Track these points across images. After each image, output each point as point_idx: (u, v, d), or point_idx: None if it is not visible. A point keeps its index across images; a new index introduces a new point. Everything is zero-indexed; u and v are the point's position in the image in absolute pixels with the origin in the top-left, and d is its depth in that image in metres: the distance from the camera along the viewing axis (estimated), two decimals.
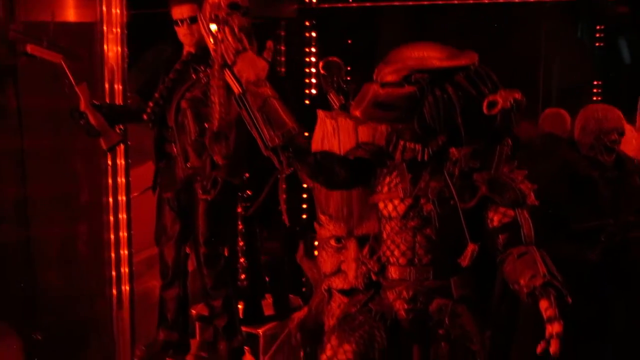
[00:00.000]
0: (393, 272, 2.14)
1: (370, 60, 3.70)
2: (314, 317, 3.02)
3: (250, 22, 2.69)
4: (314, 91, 4.41)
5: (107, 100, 3.21)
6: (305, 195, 4.24)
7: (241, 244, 3.47)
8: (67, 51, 2.93)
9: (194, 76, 2.95)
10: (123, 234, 3.67)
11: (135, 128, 3.60)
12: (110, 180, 3.55)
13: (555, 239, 2.47)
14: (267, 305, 4.16)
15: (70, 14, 3.47)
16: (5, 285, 3.40)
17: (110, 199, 3.58)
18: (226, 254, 3.13)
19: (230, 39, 2.10)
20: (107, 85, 3.23)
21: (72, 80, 2.88)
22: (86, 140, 3.23)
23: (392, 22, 4.76)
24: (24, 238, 3.54)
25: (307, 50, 4.46)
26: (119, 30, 3.32)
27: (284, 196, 1.88)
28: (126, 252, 3.66)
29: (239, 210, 3.42)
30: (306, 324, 2.99)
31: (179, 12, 2.96)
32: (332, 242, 2.95)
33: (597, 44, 5.11)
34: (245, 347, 3.35)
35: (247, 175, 2.98)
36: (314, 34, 4.44)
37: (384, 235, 2.18)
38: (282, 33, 4.41)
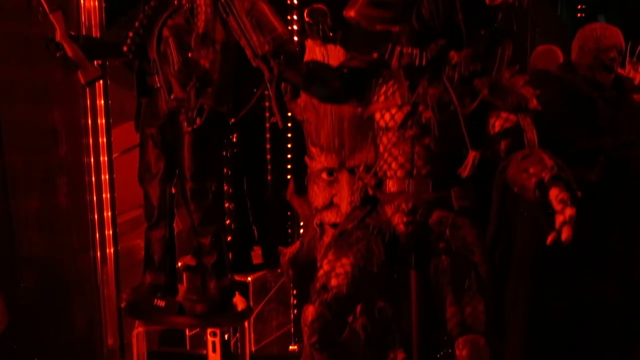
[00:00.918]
0: (391, 186, 2.05)
1: None
2: (306, 253, 2.94)
3: None
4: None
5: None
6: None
7: (226, 187, 3.37)
8: None
9: (175, 2, 2.81)
10: (106, 195, 3.56)
11: (113, 88, 3.48)
12: (91, 140, 3.44)
13: None
14: (256, 257, 4.11)
15: None
16: None
17: (92, 159, 3.47)
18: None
19: None
20: (83, 18, 3.07)
21: (46, 7, 2.72)
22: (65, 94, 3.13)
23: None
24: (3, 201, 3.42)
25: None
26: None
27: (276, 98, 1.77)
28: (109, 214, 3.56)
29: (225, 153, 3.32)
30: (298, 259, 2.91)
31: None
32: (324, 175, 2.87)
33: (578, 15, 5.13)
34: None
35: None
36: None
37: (381, 149, 2.09)
38: None
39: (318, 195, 2.88)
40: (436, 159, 2.01)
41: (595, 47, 2.73)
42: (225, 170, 3.41)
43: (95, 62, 2.92)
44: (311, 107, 2.85)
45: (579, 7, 5.25)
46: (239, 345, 3.55)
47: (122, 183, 3.64)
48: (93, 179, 3.51)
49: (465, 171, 1.96)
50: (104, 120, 3.48)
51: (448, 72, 1.96)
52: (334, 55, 2.74)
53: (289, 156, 3.84)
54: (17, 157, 3.43)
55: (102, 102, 3.46)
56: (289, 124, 3.42)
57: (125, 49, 2.89)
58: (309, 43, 2.76)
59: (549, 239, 1.59)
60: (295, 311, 4.04)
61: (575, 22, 5.08)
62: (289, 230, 4.18)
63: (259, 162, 3.98)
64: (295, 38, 3.51)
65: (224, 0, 1.92)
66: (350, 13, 1.91)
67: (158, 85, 2.88)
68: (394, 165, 2.05)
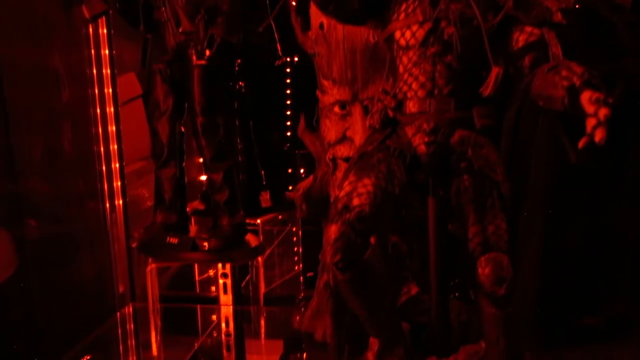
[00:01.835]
0: (411, 106, 2.01)
1: None
2: (319, 189, 2.92)
3: None
4: None
5: None
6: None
7: (237, 123, 3.32)
8: None
9: None
10: (113, 146, 3.51)
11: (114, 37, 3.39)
12: (97, 90, 3.37)
13: None
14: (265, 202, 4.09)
15: None
16: None
17: (98, 110, 3.41)
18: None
19: None
20: None
21: None
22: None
23: None
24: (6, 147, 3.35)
25: None
26: None
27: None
28: (117, 165, 3.52)
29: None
30: (311, 194, 2.89)
31: None
32: (337, 108, 2.83)
33: None
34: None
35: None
36: None
37: (401, 69, 2.04)
38: None
39: (331, 129, 2.85)
40: (458, 77, 1.97)
41: None
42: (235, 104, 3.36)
43: None
44: (322, 39, 2.80)
45: None
46: (251, 287, 3.56)
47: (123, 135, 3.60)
48: (100, 130, 3.46)
49: (487, 89, 1.93)
50: (109, 71, 3.41)
51: None
52: None
53: (288, 102, 3.78)
54: (19, 97, 3.37)
55: (107, 51, 3.39)
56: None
57: None
58: None
59: (582, 142, 1.56)
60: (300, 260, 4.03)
61: None
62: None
63: (264, 106, 3.93)
64: None
65: None
66: None
67: (165, 18, 2.81)
68: (414, 85, 2.00)
